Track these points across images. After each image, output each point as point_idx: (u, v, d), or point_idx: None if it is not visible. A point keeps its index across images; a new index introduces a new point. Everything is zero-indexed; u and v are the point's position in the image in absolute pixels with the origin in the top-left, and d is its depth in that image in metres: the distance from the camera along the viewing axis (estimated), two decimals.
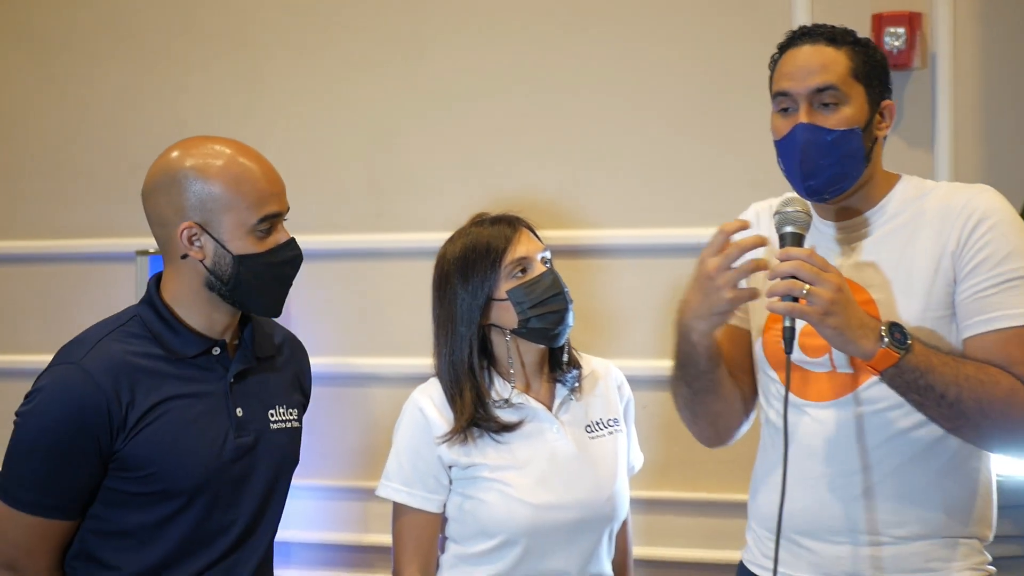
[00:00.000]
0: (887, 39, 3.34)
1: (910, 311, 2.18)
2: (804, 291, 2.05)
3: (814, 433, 2.25)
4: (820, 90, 2.18)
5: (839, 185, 2.21)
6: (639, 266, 3.67)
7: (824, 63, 2.19)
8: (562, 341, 2.55)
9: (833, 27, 2.26)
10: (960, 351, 2.18)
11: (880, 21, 3.38)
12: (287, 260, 2.33)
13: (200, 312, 2.32)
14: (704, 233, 3.53)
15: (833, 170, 2.19)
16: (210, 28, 4.01)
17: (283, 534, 3.84)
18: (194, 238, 2.27)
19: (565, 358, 2.59)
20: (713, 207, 3.58)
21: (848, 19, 2.52)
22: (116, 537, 2.29)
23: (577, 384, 2.59)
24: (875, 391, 2.18)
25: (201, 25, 4.02)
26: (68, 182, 4.11)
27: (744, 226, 2.17)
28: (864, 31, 2.74)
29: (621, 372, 2.70)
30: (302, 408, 2.53)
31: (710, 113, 3.62)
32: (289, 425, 2.45)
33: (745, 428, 2.48)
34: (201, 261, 2.28)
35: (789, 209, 2.16)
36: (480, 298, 2.50)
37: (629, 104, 3.68)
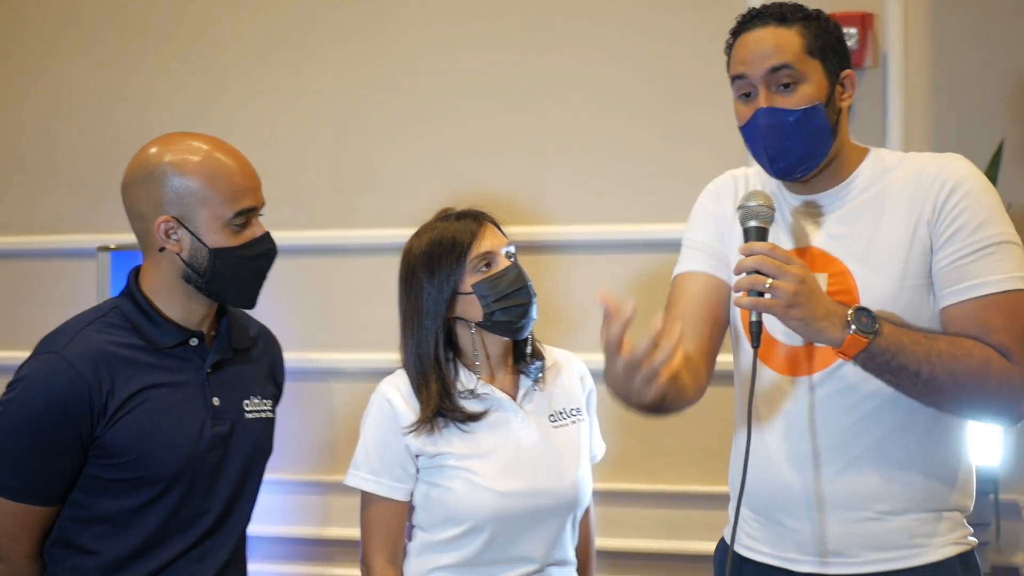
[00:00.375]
0: None
1: (888, 282, 2.17)
2: (767, 285, 2.04)
3: (794, 409, 2.22)
4: (775, 70, 2.16)
5: (808, 163, 2.19)
6: (599, 261, 3.70)
7: (776, 44, 2.16)
8: (526, 334, 2.59)
9: (782, 4, 2.23)
10: (938, 320, 2.17)
11: None
12: (262, 253, 2.39)
13: (178, 304, 2.37)
14: (663, 229, 3.63)
15: (800, 150, 2.17)
16: (175, 26, 4.01)
17: None
18: (171, 231, 2.32)
19: (529, 350, 2.63)
20: (672, 203, 3.62)
21: None
22: (94, 523, 2.33)
23: (540, 375, 2.63)
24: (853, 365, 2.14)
25: (166, 23, 4.01)
26: (30, 178, 4.10)
27: (622, 315, 1.97)
28: None
29: (583, 363, 2.74)
30: (275, 400, 2.58)
31: (670, 110, 3.65)
32: (264, 415, 2.50)
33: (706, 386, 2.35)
34: (178, 254, 2.32)
35: (752, 203, 2.15)
36: (446, 292, 2.54)
37: (590, 102, 3.72)
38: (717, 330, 2.35)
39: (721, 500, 3.57)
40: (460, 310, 2.56)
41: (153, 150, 2.35)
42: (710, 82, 3.55)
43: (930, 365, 2.07)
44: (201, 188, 2.30)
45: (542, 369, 2.64)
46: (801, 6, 2.23)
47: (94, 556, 2.34)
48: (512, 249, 2.60)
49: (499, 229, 2.61)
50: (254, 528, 3.88)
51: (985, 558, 3.32)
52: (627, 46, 3.70)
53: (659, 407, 2.13)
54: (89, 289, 3.73)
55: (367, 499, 2.57)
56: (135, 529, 2.33)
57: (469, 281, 2.53)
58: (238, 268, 2.35)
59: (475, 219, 2.58)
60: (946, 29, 3.49)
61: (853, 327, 2.05)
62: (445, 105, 3.82)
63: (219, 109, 3.94)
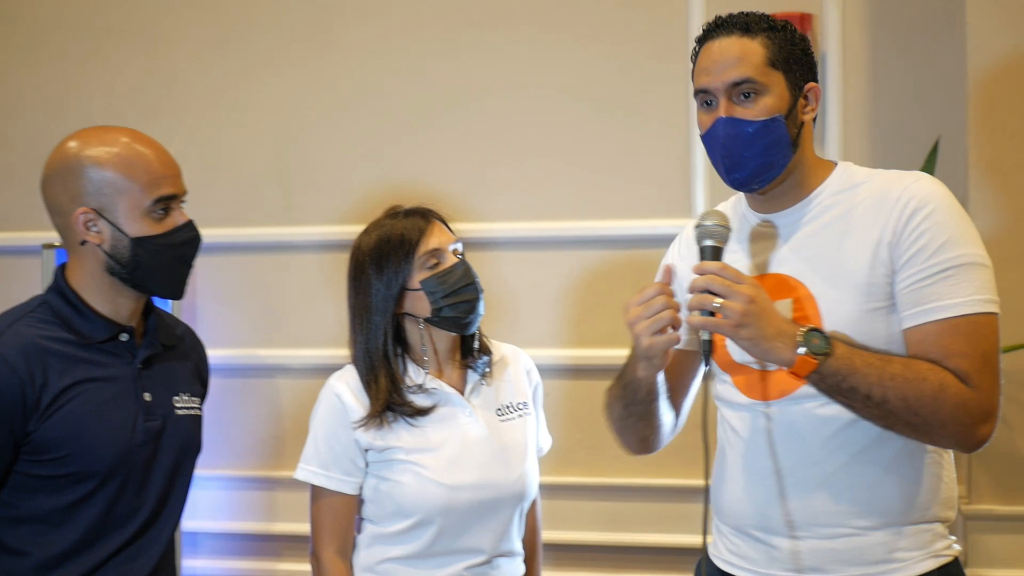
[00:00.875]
0: None
1: (850, 306, 2.13)
2: (717, 304, 2.02)
3: (768, 430, 2.20)
4: (736, 84, 2.13)
5: (766, 175, 2.17)
6: (545, 257, 3.73)
7: (739, 55, 2.14)
8: (473, 329, 2.62)
9: (748, 14, 2.19)
10: (901, 342, 2.13)
11: None
12: (185, 241, 2.36)
13: (105, 297, 2.35)
14: (607, 225, 3.68)
15: (758, 161, 2.14)
16: (117, 23, 4.00)
17: (191, 524, 3.86)
18: (90, 223, 2.29)
19: (476, 345, 2.66)
20: (615, 200, 3.68)
21: None
22: (27, 523, 2.28)
23: (488, 370, 2.66)
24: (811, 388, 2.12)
25: (108, 20, 4.01)
26: None
27: (665, 287, 2.13)
28: None
29: (530, 358, 2.78)
30: (202, 398, 2.56)
31: (614, 109, 3.69)
32: (193, 412, 2.48)
33: (671, 439, 2.45)
34: (99, 246, 2.30)
35: (708, 222, 2.12)
36: (394, 288, 2.56)
37: (535, 100, 3.75)
38: (683, 390, 2.40)
39: (663, 493, 3.64)
40: (408, 306, 2.58)
41: (71, 144, 2.33)
42: (653, 81, 3.61)
43: (882, 388, 2.04)
44: (118, 178, 2.28)
45: (489, 364, 2.68)
46: (768, 16, 2.20)
47: (25, 557, 2.27)
48: (460, 246, 2.63)
49: (447, 226, 2.64)
50: (201, 524, 3.88)
51: None
52: (571, 46, 3.73)
53: (649, 402, 2.22)
54: (34, 286, 3.68)
55: (317, 493, 2.59)
56: (68, 527, 2.28)
57: (417, 278, 2.56)
58: (161, 256, 2.33)
59: (423, 216, 2.61)
60: (883, 30, 3.55)
61: (803, 348, 2.03)
62: (388, 103, 3.84)
63: (163, 107, 3.94)
